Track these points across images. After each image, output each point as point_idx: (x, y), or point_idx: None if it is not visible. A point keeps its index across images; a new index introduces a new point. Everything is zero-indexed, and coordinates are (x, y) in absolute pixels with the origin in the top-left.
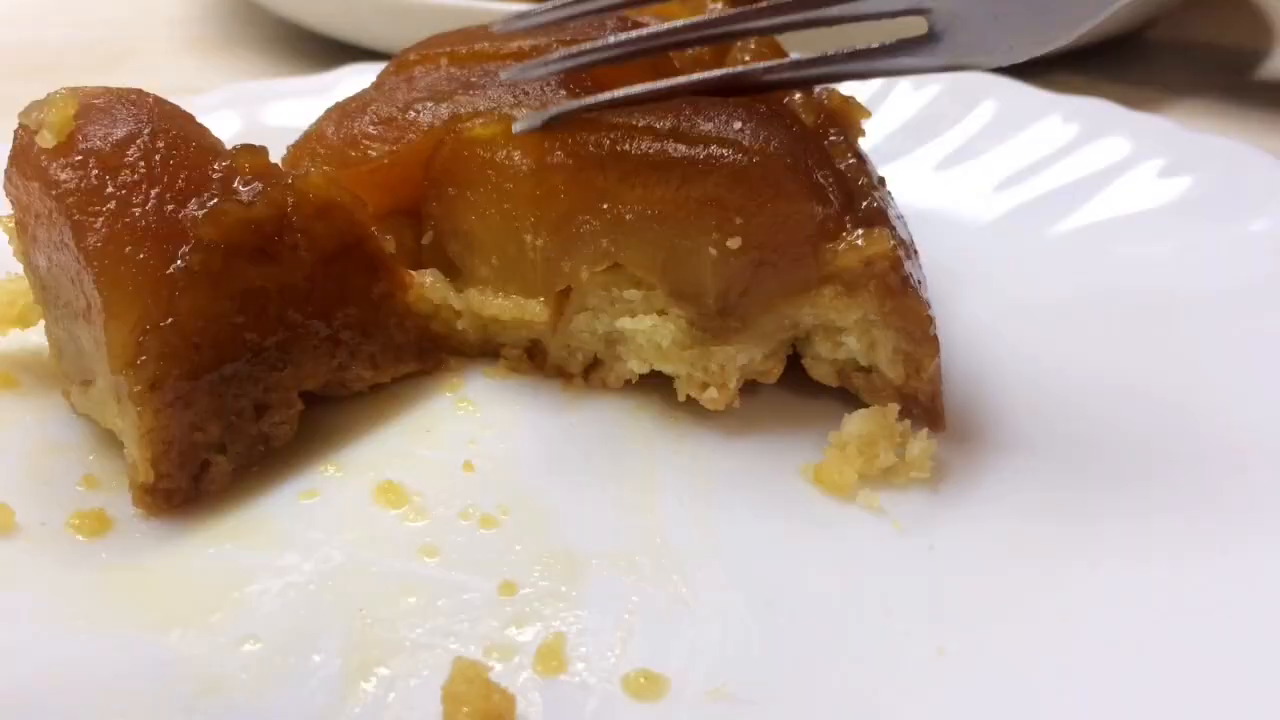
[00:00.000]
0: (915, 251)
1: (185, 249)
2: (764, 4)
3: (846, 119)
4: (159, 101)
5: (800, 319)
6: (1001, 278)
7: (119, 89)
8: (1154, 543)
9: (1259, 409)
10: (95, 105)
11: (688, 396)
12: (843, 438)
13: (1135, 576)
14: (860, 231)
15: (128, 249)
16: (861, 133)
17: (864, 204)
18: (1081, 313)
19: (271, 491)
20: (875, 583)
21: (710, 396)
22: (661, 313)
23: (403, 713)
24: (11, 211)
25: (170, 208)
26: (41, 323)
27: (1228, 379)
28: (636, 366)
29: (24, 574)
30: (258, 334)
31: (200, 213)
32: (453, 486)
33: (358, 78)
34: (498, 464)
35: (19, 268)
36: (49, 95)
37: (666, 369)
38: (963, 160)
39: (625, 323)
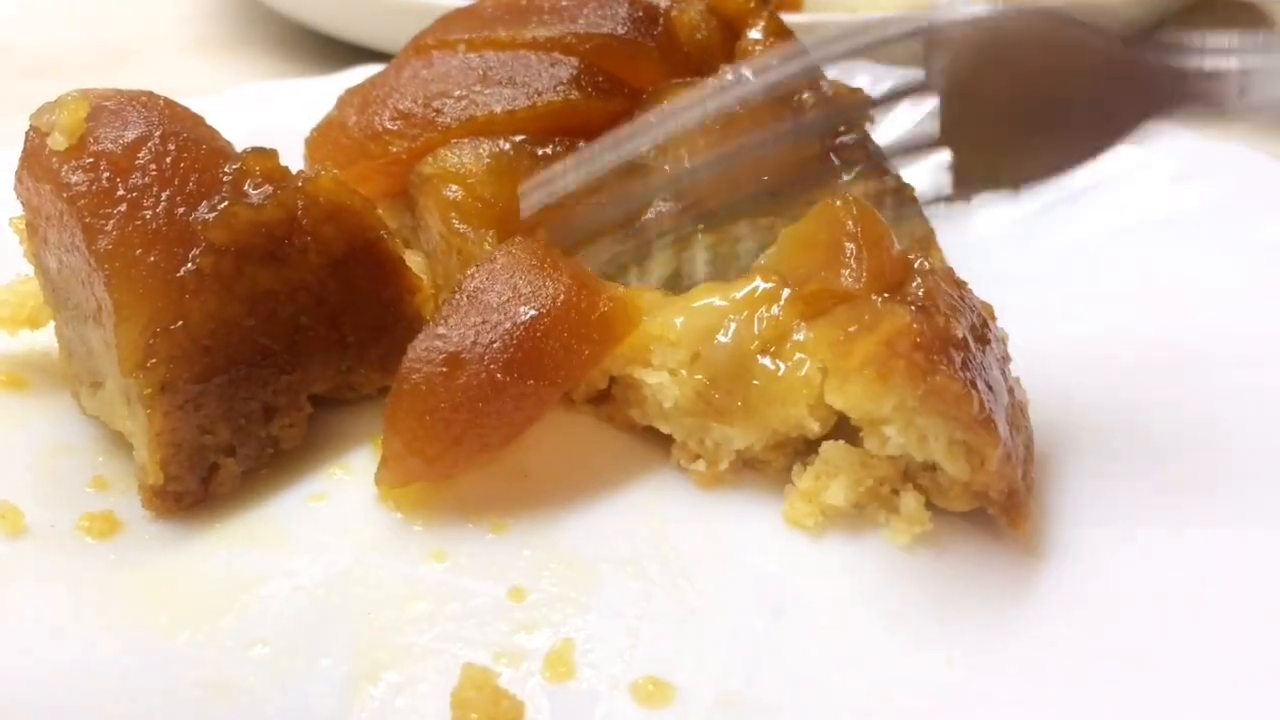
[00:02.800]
0: (988, 318)
1: (196, 252)
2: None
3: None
4: (169, 104)
5: (805, 425)
6: (1009, 285)
7: (130, 91)
8: (1165, 551)
9: (1267, 420)
10: (106, 108)
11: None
12: (822, 496)
13: (1147, 585)
14: (875, 309)
15: (138, 252)
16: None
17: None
18: (1090, 320)
19: (280, 494)
20: (883, 590)
21: (697, 469)
22: (674, 372)
23: (411, 718)
24: (22, 213)
25: (181, 210)
26: (51, 324)
27: (1237, 389)
28: (638, 417)
29: (33, 575)
30: (268, 337)
31: (211, 216)
32: None
33: None
34: (506, 469)
35: (29, 269)
36: (60, 97)
37: (664, 429)
38: None
39: (636, 369)
